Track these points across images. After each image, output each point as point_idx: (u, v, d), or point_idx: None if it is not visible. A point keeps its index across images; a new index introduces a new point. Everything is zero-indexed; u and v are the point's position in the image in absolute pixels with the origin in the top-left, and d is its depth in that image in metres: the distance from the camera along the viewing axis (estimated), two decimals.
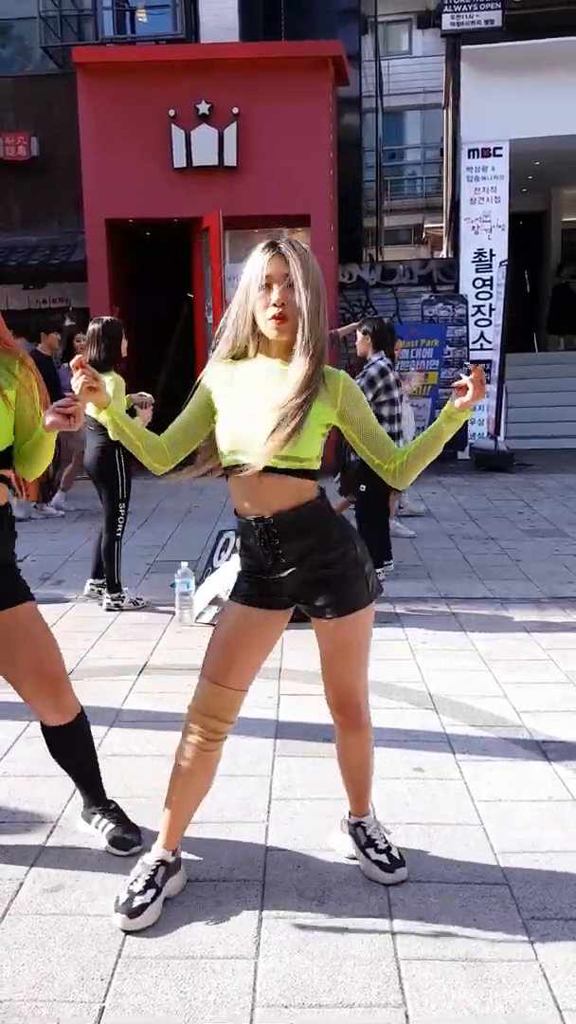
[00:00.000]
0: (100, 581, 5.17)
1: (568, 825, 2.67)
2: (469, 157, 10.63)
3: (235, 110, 9.88)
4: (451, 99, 12.65)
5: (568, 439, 11.14)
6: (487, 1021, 1.91)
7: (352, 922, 2.25)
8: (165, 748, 3.23)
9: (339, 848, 2.56)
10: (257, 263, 2.16)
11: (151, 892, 2.29)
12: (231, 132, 9.91)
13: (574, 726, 3.39)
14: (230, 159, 9.94)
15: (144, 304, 11.42)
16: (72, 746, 2.58)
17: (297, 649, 4.36)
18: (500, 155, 10.55)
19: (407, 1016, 1.93)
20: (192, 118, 9.94)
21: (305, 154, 9.87)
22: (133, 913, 2.24)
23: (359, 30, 13.84)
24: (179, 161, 9.98)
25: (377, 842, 2.46)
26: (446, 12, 10.35)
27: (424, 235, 24.66)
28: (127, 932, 2.22)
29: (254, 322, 2.19)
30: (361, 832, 2.49)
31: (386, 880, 2.40)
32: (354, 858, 2.50)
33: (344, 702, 2.41)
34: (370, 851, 2.45)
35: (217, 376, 2.28)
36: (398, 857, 2.44)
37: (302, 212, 10.02)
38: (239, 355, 2.26)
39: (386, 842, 2.47)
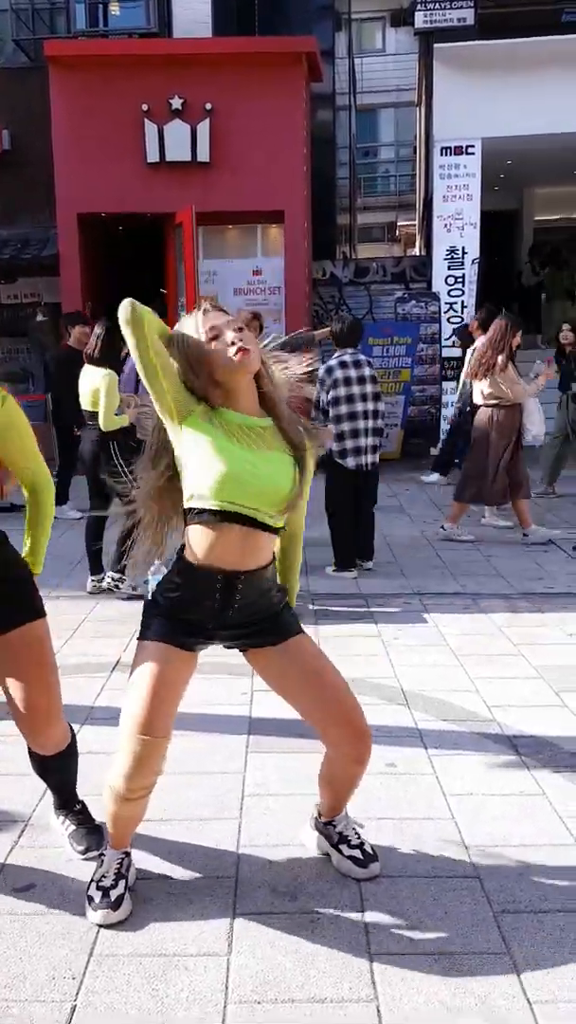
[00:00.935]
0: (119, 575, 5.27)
1: (538, 819, 2.70)
2: (442, 155, 10.66)
3: (208, 105, 9.84)
4: (424, 97, 12.69)
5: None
6: (458, 1014, 1.93)
7: (324, 917, 2.26)
8: None
9: (308, 844, 2.56)
10: (192, 326, 2.11)
11: (122, 883, 2.30)
12: (204, 127, 9.87)
13: (544, 721, 3.42)
14: (203, 155, 9.90)
15: (117, 300, 11.32)
16: (54, 773, 2.56)
17: None
18: (472, 153, 10.59)
19: (379, 1011, 1.94)
20: (165, 113, 9.88)
21: (279, 150, 9.86)
22: (114, 905, 2.24)
23: (333, 27, 13.83)
24: (152, 156, 9.93)
25: (349, 838, 2.47)
26: (419, 10, 10.36)
27: (397, 233, 24.74)
28: (106, 926, 2.22)
29: (209, 378, 2.10)
30: (332, 830, 2.50)
31: (359, 875, 2.40)
32: (325, 853, 2.51)
33: (360, 729, 2.29)
34: (343, 847, 2.45)
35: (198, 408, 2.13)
36: (371, 852, 2.45)
37: (276, 208, 10.01)
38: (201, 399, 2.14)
39: (358, 837, 2.48)
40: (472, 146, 10.56)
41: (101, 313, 10.14)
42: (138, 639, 2.26)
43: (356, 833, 2.49)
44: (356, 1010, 1.94)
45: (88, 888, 2.30)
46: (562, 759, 3.09)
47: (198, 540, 2.15)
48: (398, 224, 24.19)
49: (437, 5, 10.29)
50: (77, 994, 2.00)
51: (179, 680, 2.22)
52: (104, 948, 2.16)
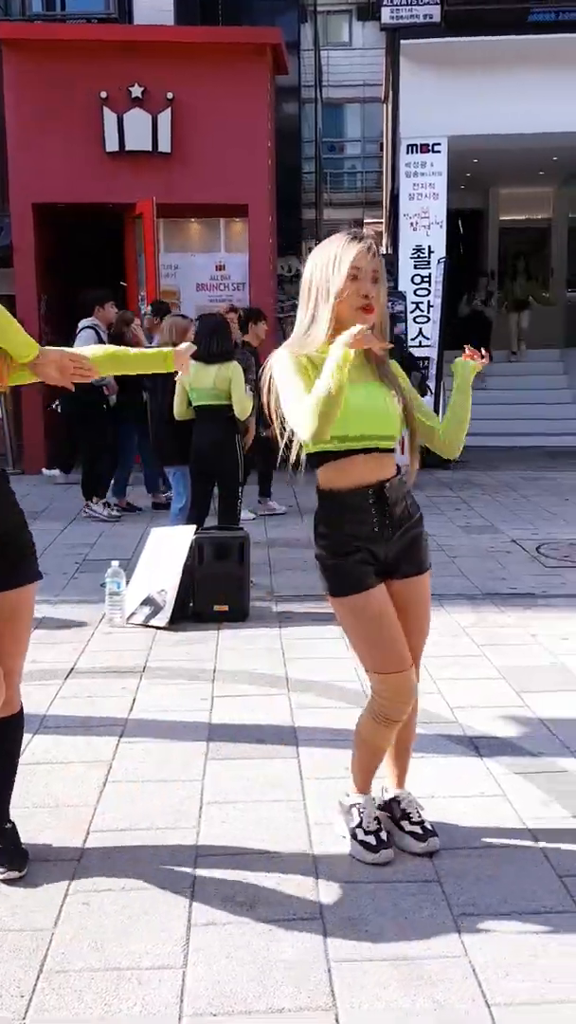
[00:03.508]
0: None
1: (498, 821, 2.72)
2: (408, 152, 10.73)
3: (169, 95, 9.78)
4: (391, 93, 12.75)
5: (501, 437, 11.37)
6: (416, 1019, 1.94)
7: (283, 925, 2.26)
8: (92, 754, 3.20)
9: (336, 825, 2.66)
10: (347, 253, 2.28)
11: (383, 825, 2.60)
12: (165, 117, 9.82)
13: (506, 722, 3.46)
14: (164, 145, 9.84)
15: (74, 292, 11.25)
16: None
17: (232, 649, 4.36)
18: (439, 151, 10.66)
19: (337, 1018, 1.94)
20: (125, 101, 9.81)
21: (242, 143, 9.83)
22: (388, 843, 2.54)
23: (298, 19, 13.86)
24: (111, 145, 9.84)
25: (411, 815, 2.61)
26: (385, 5, 10.41)
27: (365, 230, 24.85)
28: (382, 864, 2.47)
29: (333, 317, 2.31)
30: (396, 806, 2.64)
31: (418, 849, 2.54)
32: (345, 836, 2.59)
33: (415, 660, 2.54)
34: (404, 823, 2.60)
35: (307, 364, 2.34)
36: (430, 828, 2.58)
37: (239, 202, 9.98)
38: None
39: (419, 814, 2.61)
40: (438, 144, 10.64)
41: (56, 306, 10.09)
42: (331, 596, 2.47)
43: (418, 812, 2.62)
44: (314, 1018, 1.94)
45: (355, 837, 2.52)
46: (523, 760, 3.12)
47: (336, 475, 2.40)
48: (365, 221, 24.27)
49: (404, 1, 10.35)
50: (26, 1012, 1.98)
51: (390, 611, 2.44)
52: (54, 964, 2.13)
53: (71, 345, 5.35)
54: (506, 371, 12.39)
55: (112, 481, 7.93)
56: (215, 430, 5.38)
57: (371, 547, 2.43)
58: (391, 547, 2.45)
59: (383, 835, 2.56)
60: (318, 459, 2.42)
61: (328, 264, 2.30)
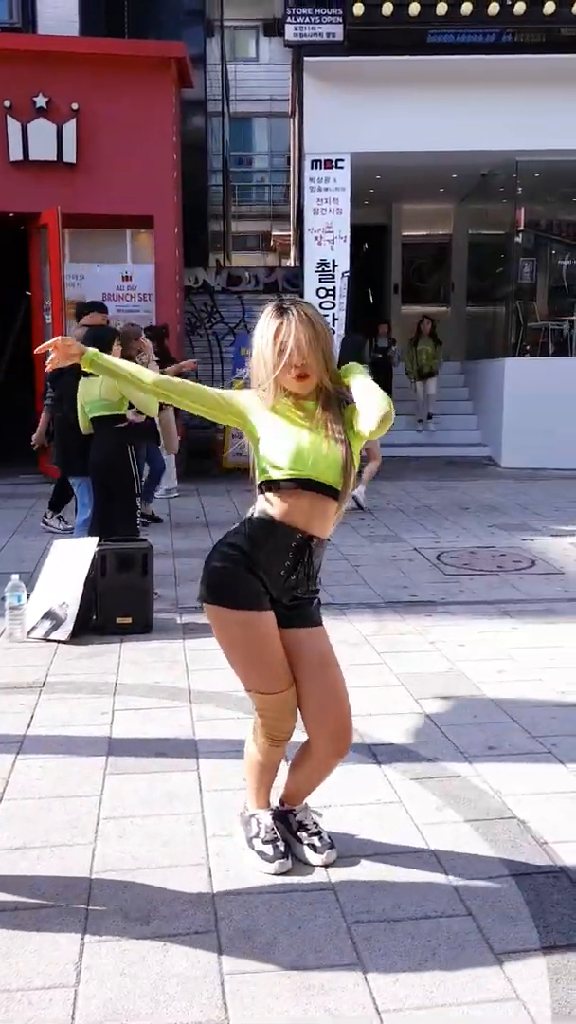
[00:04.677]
0: None
1: (393, 827, 2.76)
2: (312, 167, 10.86)
3: (74, 106, 9.67)
4: (297, 108, 12.90)
5: (405, 447, 11.60)
6: None
7: (178, 940, 2.24)
8: None
9: (236, 835, 2.68)
10: (270, 330, 2.39)
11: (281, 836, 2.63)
12: (70, 128, 9.70)
13: (403, 728, 3.52)
14: (69, 155, 9.73)
15: None
16: None
17: (135, 662, 4.31)
18: (342, 167, 10.83)
19: None
20: (29, 111, 9.66)
21: (148, 154, 9.79)
22: (286, 855, 2.55)
23: (204, 33, 13.87)
24: (15, 154, 9.68)
25: (308, 826, 2.63)
26: (289, 23, 10.53)
27: (273, 243, 25.01)
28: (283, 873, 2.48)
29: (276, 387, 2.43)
30: (292, 818, 2.65)
31: (316, 861, 2.55)
32: (244, 847, 2.61)
33: (345, 727, 2.50)
34: (302, 835, 2.62)
35: (256, 403, 2.48)
36: (328, 840, 2.60)
37: (145, 213, 9.94)
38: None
39: (316, 825, 2.63)
40: (342, 160, 10.81)
41: None
42: (218, 605, 2.45)
43: (314, 822, 2.64)
44: None
45: (252, 847, 2.55)
46: (419, 766, 3.18)
47: (276, 504, 2.43)
48: (273, 234, 24.47)
49: (307, 19, 10.49)
50: None
51: (272, 635, 2.45)
52: None
53: None
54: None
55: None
56: (106, 441, 5.35)
57: (269, 585, 2.44)
58: (284, 597, 2.47)
59: (280, 845, 2.57)
60: (266, 485, 2.45)
61: (261, 340, 2.41)
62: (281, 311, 2.40)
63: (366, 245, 14.48)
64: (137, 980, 2.10)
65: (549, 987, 2.06)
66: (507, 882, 2.47)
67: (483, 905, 2.37)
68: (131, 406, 5.57)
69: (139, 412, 5.59)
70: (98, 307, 7.10)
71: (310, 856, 2.57)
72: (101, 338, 5.39)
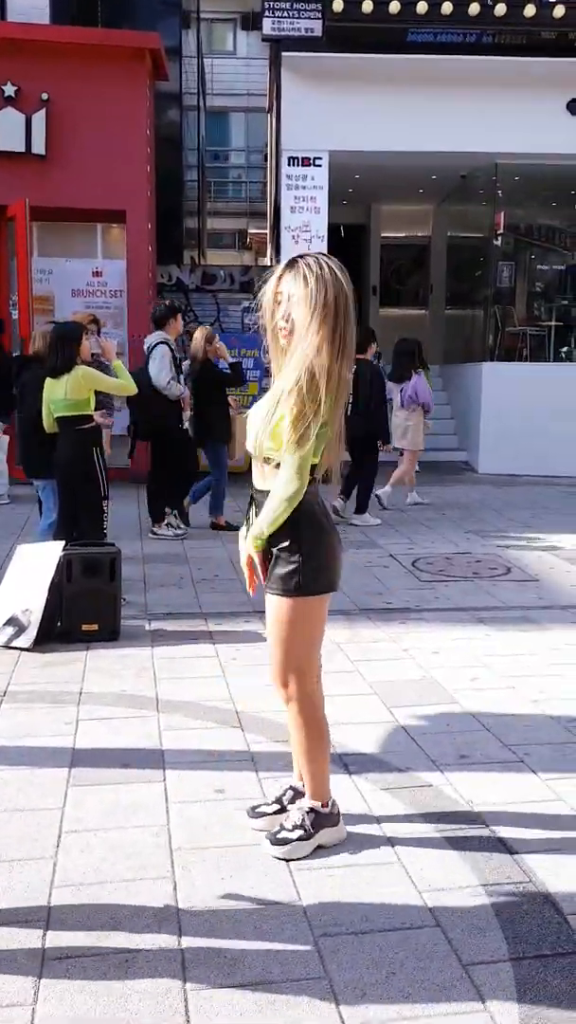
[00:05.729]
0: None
1: (362, 838, 2.77)
2: (289, 165, 10.90)
3: (44, 95, 9.64)
4: (274, 104, 12.92)
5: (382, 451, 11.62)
6: None
7: (141, 956, 2.24)
8: None
9: (256, 824, 2.82)
10: (272, 278, 2.51)
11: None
12: (40, 118, 9.67)
13: (375, 737, 3.53)
14: (38, 147, 9.69)
15: None
16: None
17: (100, 671, 4.30)
18: (320, 165, 10.88)
19: None
20: None
21: (121, 147, 9.78)
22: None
23: (180, 25, 13.88)
24: None
25: (286, 826, 2.72)
26: (267, 16, 10.56)
27: (249, 240, 25.01)
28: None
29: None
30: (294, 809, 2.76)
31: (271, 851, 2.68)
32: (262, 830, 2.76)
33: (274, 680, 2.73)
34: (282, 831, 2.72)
35: None
36: (282, 839, 2.68)
37: (117, 208, 9.92)
38: None
39: (292, 828, 2.71)
40: (320, 158, 10.86)
41: None
42: (310, 594, 2.64)
43: (294, 826, 2.72)
44: None
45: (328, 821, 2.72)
46: (390, 776, 3.20)
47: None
48: (249, 231, 24.45)
49: (285, 14, 10.52)
50: None
51: None
52: None
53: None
54: None
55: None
56: (70, 441, 5.36)
57: None
58: None
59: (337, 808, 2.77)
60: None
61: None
62: (292, 263, 2.48)
63: (343, 233, 14.52)
64: (98, 998, 2.09)
65: (517, 998, 2.08)
66: (477, 893, 2.49)
67: (452, 916, 2.39)
68: (98, 407, 5.56)
69: (108, 414, 5.59)
70: (172, 312, 7.28)
71: (265, 842, 2.70)
72: (70, 334, 5.39)
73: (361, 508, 8.07)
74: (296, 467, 2.49)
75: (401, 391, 9.01)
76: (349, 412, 8.16)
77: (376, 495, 8.40)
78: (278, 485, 2.52)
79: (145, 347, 7.14)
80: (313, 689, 2.72)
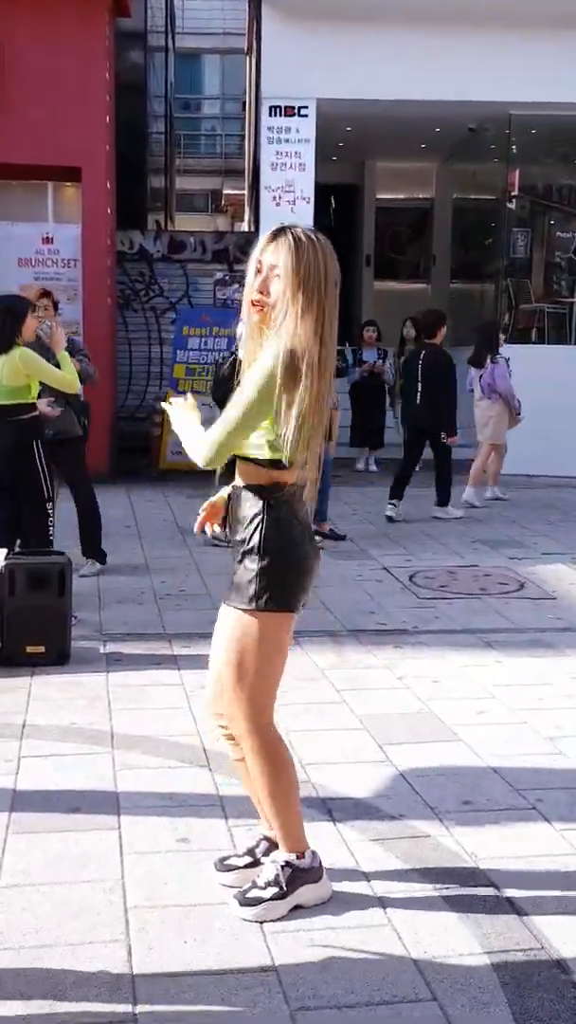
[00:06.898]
0: None
1: (348, 897, 2.78)
2: (270, 115, 10.91)
3: None
4: (254, 45, 12.96)
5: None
6: None
7: None
8: None
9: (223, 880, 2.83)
10: (255, 248, 2.57)
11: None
12: None
13: (365, 780, 3.54)
14: None
15: None
16: None
17: (47, 699, 4.29)
18: (306, 115, 10.89)
19: None
20: None
21: (75, 95, 9.78)
22: None
23: None
24: None
25: (258, 884, 2.71)
26: None
27: (224, 202, 25.09)
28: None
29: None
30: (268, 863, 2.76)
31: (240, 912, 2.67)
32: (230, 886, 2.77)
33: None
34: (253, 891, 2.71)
35: None
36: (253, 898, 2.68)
37: (71, 164, 9.92)
38: None
39: (265, 885, 2.70)
40: (305, 107, 10.87)
41: None
42: (276, 610, 2.68)
43: (267, 884, 2.72)
44: None
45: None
46: (382, 825, 3.21)
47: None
48: (224, 192, 24.54)
49: None
50: None
51: None
52: None
53: None
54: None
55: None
56: (6, 434, 5.35)
57: None
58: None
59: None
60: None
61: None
62: (278, 232, 2.53)
63: (333, 204, 14.60)
64: None
65: None
66: (480, 961, 2.50)
67: (451, 988, 2.40)
68: (41, 395, 5.54)
69: (53, 404, 5.57)
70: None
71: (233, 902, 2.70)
72: (12, 309, 5.36)
73: (443, 501, 8.68)
74: (219, 443, 2.58)
75: (480, 379, 9.36)
76: (418, 401, 8.35)
77: (464, 501, 9.08)
78: (204, 437, 2.61)
79: None
80: (272, 721, 2.74)
